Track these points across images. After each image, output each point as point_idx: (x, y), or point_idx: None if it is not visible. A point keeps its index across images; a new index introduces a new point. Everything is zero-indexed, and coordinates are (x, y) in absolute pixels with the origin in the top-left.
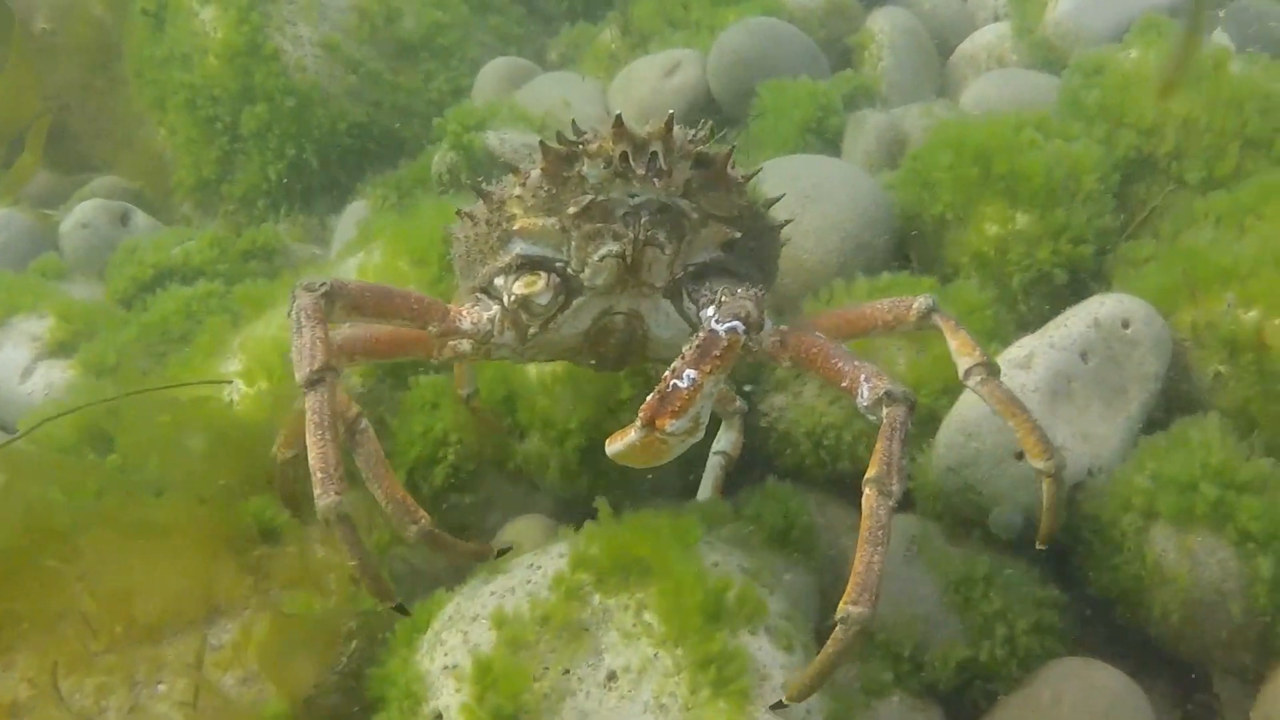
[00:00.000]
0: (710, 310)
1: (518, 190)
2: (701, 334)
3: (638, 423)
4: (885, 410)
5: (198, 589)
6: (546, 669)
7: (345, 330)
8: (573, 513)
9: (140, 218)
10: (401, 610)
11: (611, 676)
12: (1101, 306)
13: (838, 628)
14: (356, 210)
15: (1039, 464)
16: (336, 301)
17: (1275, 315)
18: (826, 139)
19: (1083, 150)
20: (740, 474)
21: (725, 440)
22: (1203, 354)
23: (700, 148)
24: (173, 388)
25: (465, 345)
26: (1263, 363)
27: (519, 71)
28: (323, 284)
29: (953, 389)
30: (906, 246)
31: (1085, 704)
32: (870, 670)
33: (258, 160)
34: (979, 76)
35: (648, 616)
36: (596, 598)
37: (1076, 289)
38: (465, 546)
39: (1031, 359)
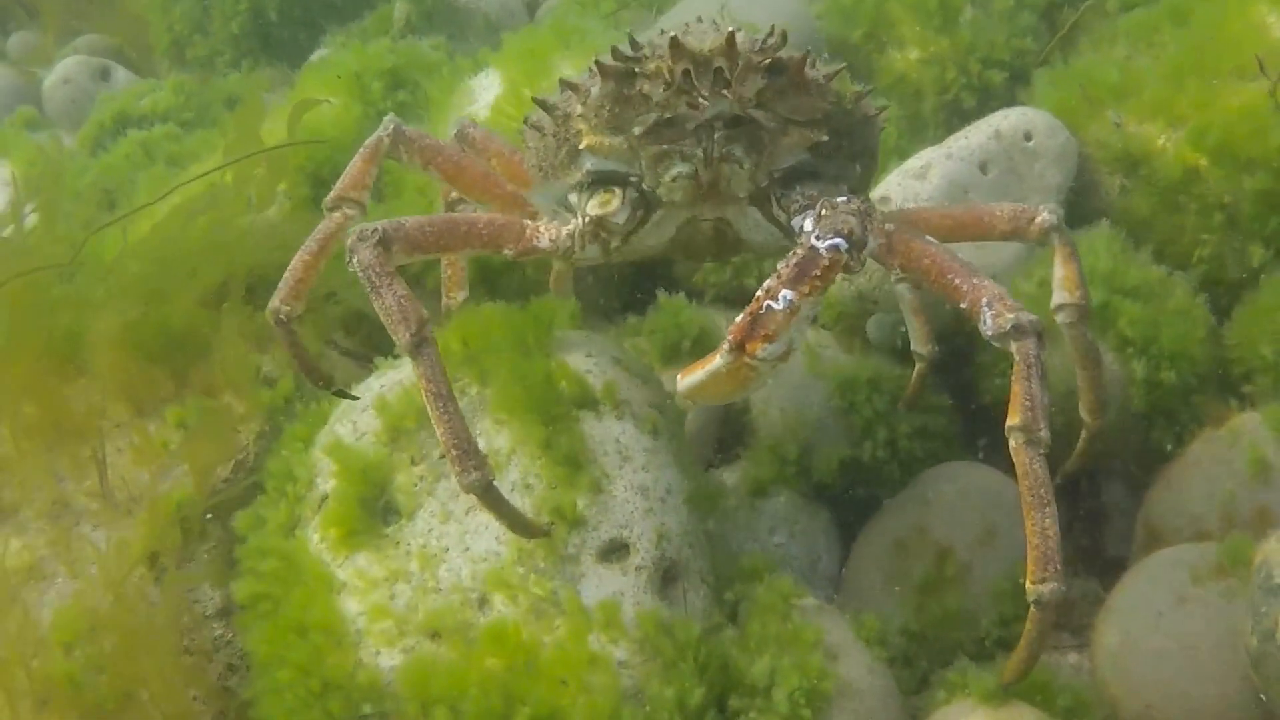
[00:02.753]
0: (809, 223)
1: (579, 108)
2: (799, 250)
3: (724, 346)
4: (1015, 345)
5: (122, 393)
6: (425, 454)
7: (410, 224)
8: None
9: (121, 73)
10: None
11: None
12: (1005, 119)
13: (1032, 610)
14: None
15: (1086, 417)
16: (393, 245)
17: (1171, 128)
18: None
19: None
20: None
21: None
22: (1107, 167)
23: (771, 56)
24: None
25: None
26: (1158, 174)
27: None
28: (374, 230)
29: None
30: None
31: (963, 501)
32: (757, 471)
33: (219, 15)
34: None
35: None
36: (475, 389)
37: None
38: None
39: (928, 170)
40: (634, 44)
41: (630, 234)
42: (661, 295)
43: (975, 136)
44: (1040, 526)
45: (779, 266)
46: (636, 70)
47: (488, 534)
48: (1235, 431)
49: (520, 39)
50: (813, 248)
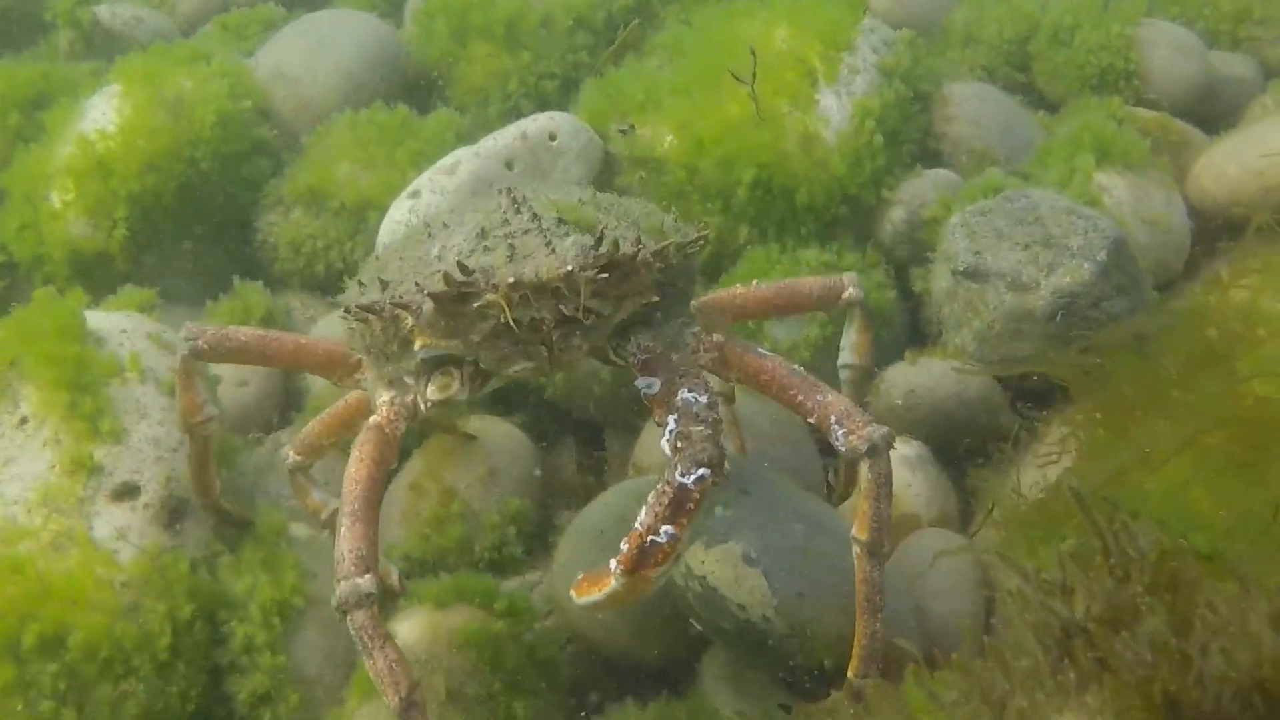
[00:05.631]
0: (666, 447)
1: (410, 320)
2: (668, 488)
3: (617, 571)
4: (868, 464)
5: None
6: None
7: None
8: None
9: None
10: None
11: (24, 420)
12: (533, 123)
13: (849, 694)
14: None
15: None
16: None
17: (680, 130)
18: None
19: None
20: None
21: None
22: (629, 163)
23: (604, 262)
24: None
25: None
26: (667, 170)
27: None
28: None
29: None
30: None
31: (469, 449)
32: None
33: None
34: None
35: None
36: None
37: None
38: None
39: (457, 166)
40: (464, 269)
41: (470, 400)
42: (237, 280)
43: (503, 138)
44: (871, 630)
45: (650, 500)
46: (471, 295)
47: (20, 482)
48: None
49: (133, 61)
50: (681, 485)
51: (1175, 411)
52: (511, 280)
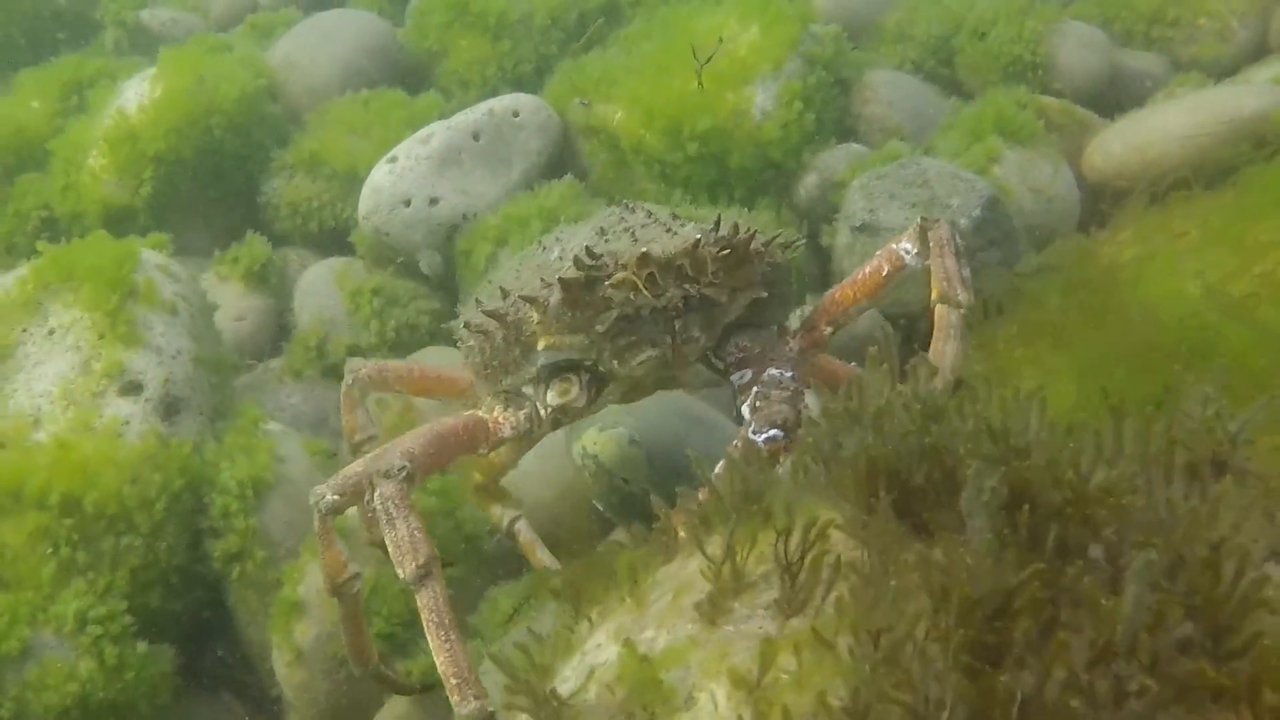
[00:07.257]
0: (746, 410)
1: (537, 317)
2: (740, 445)
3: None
4: (929, 236)
5: None
6: (11, 329)
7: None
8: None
9: None
10: None
11: (52, 331)
12: (500, 101)
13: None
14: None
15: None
16: (416, 477)
17: (630, 107)
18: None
19: None
20: None
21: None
22: (583, 136)
23: (725, 244)
24: None
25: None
26: (615, 141)
27: None
28: (401, 468)
29: None
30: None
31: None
32: (291, 360)
33: None
34: None
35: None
36: (52, 285)
37: None
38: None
39: (431, 137)
40: (591, 254)
41: (587, 408)
42: (250, 233)
43: (473, 114)
44: (941, 350)
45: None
46: (602, 279)
47: (46, 379)
48: None
49: (171, 50)
50: (750, 442)
51: (1051, 335)
52: (641, 253)
